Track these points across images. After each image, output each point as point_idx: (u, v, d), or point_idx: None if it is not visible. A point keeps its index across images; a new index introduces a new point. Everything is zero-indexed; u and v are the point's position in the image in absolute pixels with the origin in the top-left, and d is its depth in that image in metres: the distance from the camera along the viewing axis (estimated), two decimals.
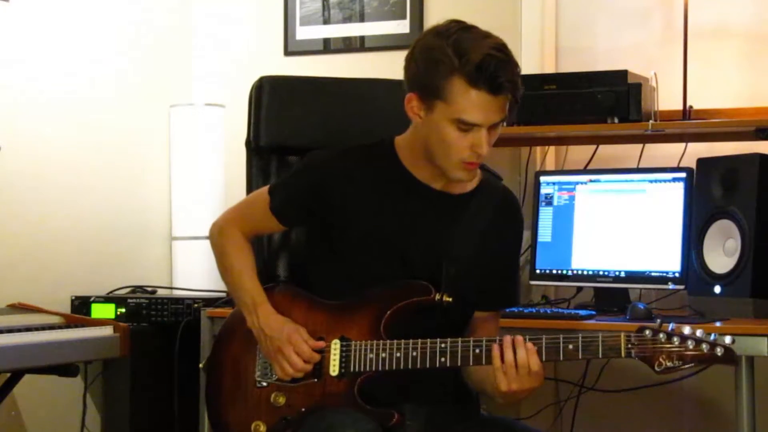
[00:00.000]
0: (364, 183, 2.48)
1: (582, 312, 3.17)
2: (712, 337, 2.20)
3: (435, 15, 3.96)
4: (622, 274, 3.39)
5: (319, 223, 2.53)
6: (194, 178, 4.12)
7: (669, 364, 2.21)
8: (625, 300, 3.35)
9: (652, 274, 3.34)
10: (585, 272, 3.45)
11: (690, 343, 2.20)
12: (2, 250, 3.58)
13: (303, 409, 2.42)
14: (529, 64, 3.82)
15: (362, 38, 4.16)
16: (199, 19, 4.40)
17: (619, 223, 3.42)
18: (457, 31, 2.33)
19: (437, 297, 2.40)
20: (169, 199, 4.18)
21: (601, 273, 3.42)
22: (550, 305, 3.52)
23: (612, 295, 3.38)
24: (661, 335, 2.21)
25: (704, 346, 2.19)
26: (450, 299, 2.40)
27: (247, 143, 3.06)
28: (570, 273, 3.47)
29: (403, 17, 4.06)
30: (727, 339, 2.20)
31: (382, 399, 2.39)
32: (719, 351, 2.19)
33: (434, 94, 2.32)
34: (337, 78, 3.09)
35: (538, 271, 3.53)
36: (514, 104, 2.35)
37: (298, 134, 2.97)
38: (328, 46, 4.21)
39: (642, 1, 3.87)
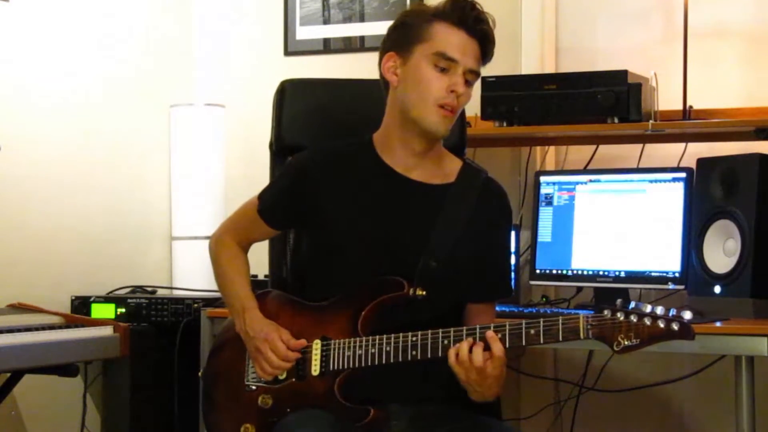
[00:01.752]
0: (344, 179, 2.50)
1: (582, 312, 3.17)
2: (671, 312, 2.18)
3: None
4: (622, 274, 3.39)
5: (306, 223, 2.56)
6: (194, 178, 4.12)
7: (627, 342, 2.18)
8: (625, 300, 3.35)
9: (652, 274, 3.34)
10: (585, 272, 3.45)
11: (647, 320, 2.18)
12: (2, 250, 3.58)
13: (288, 410, 2.44)
14: (529, 64, 3.82)
15: (362, 38, 4.16)
16: (199, 19, 4.40)
17: (619, 223, 3.42)
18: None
19: (411, 291, 2.40)
20: (169, 199, 4.18)
21: (601, 273, 3.43)
22: (550, 305, 3.52)
23: (612, 295, 3.38)
24: (619, 314, 2.20)
25: (660, 322, 2.17)
26: (423, 293, 2.40)
27: (270, 146, 3.07)
28: (570, 273, 3.48)
29: None
30: (687, 315, 2.18)
31: (368, 399, 2.40)
32: (675, 326, 2.17)
33: (413, 40, 2.43)
34: (360, 79, 3.07)
35: (538, 271, 3.53)
36: (488, 53, 2.45)
37: (320, 136, 2.97)
38: (328, 46, 4.22)
39: (642, 1, 3.86)
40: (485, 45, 2.44)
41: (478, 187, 2.52)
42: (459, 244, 2.46)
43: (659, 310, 2.18)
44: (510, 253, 2.66)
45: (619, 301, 2.25)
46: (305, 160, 2.57)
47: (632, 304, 2.21)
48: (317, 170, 2.52)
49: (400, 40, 2.46)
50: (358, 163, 2.52)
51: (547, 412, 3.84)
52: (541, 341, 2.26)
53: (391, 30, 2.51)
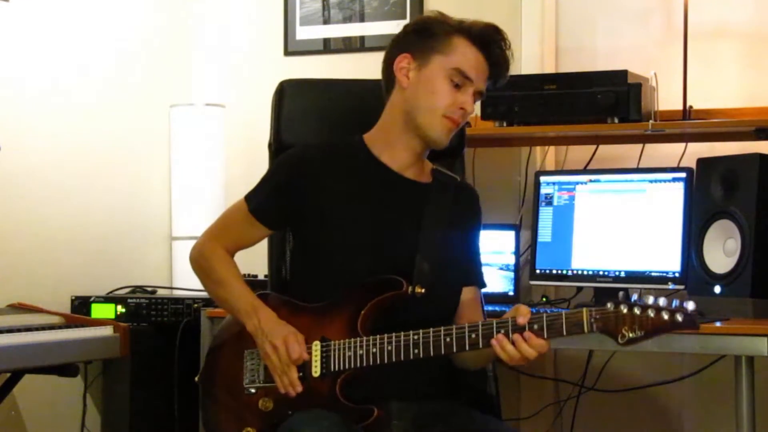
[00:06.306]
0: (339, 175, 2.51)
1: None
2: (674, 303, 2.17)
3: None
4: (622, 274, 3.39)
5: (301, 220, 2.54)
6: (194, 178, 4.12)
7: (631, 335, 2.19)
8: (626, 293, 3.35)
9: (652, 274, 3.34)
10: (585, 272, 3.45)
11: (651, 312, 2.18)
12: (2, 250, 3.58)
13: (290, 412, 2.42)
14: (529, 64, 3.82)
15: (362, 38, 4.16)
16: (199, 19, 4.40)
17: (619, 223, 3.42)
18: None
19: (410, 290, 2.41)
20: (169, 199, 4.18)
21: (601, 273, 3.43)
22: (550, 305, 3.52)
23: (612, 295, 3.38)
24: (623, 306, 2.20)
25: (664, 313, 2.17)
26: (422, 290, 2.41)
27: (270, 146, 3.07)
28: (570, 273, 3.48)
29: (403, 17, 4.05)
30: (690, 305, 2.17)
31: (370, 398, 2.39)
32: (679, 317, 2.16)
33: (433, 49, 2.47)
34: (359, 79, 3.08)
35: (538, 271, 3.53)
36: (499, 78, 2.52)
37: (319, 136, 2.97)
38: (328, 46, 4.22)
39: (642, 1, 3.87)
40: (498, 70, 2.51)
41: (451, 187, 2.57)
42: (445, 242, 2.50)
43: (662, 301, 2.18)
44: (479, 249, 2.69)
45: (621, 293, 2.25)
46: (299, 156, 2.56)
47: (634, 297, 2.21)
48: (312, 165, 2.52)
49: (419, 45, 2.49)
50: (352, 159, 2.54)
51: (547, 412, 3.84)
52: (545, 336, 2.26)
53: (410, 32, 2.54)
